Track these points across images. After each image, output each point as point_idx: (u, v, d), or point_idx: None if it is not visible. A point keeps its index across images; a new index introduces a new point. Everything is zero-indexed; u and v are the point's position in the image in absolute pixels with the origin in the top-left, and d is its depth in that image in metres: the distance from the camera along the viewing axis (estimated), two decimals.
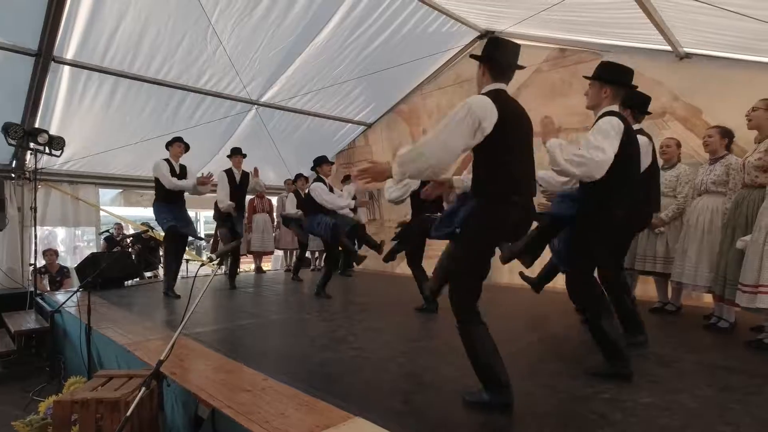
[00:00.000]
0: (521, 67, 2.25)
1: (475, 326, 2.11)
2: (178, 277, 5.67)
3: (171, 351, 1.97)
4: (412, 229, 4.40)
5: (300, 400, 2.17)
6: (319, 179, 5.22)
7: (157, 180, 5.13)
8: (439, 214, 4.42)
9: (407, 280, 6.54)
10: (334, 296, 5.15)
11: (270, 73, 6.20)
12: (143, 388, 1.85)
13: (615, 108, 2.51)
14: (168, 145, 5.25)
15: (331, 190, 5.27)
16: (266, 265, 8.81)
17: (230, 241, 5.54)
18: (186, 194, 5.38)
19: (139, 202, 8.39)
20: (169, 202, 5.18)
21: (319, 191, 5.08)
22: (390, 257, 4.66)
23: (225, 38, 5.28)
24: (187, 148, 5.31)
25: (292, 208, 6.72)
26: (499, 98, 2.09)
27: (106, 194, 8.18)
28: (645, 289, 4.75)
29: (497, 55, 2.19)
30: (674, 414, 2.01)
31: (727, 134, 3.62)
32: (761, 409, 2.05)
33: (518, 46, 2.24)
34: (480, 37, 6.47)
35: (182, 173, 5.24)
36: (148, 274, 7.88)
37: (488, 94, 2.12)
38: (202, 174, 5.28)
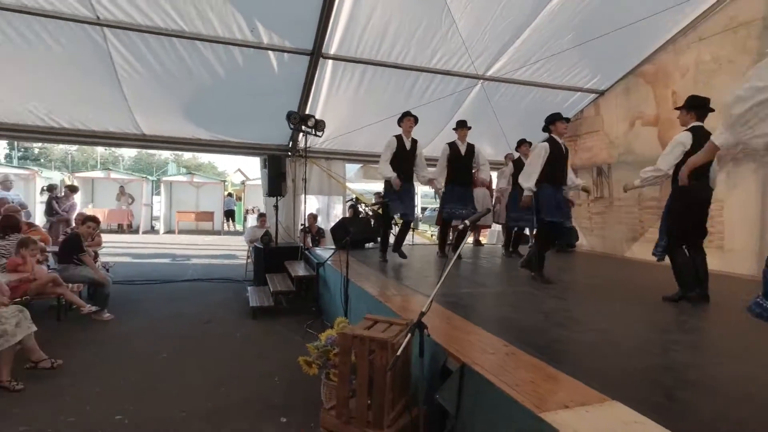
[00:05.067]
0: None
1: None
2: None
3: (431, 305, 2.19)
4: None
5: (547, 372, 2.14)
6: (550, 139, 4.57)
7: None
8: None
9: (637, 265, 5.77)
10: (558, 274, 4.91)
11: (500, 45, 6.17)
12: (409, 335, 2.14)
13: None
14: (399, 121, 5.56)
15: (565, 151, 4.68)
16: (483, 239, 8.99)
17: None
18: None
19: (375, 176, 9.52)
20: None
21: (532, 155, 4.70)
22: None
23: (458, 16, 5.45)
24: (416, 120, 5.53)
25: (504, 182, 6.86)
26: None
27: (351, 169, 9.55)
28: None
29: None
30: None
31: None
32: None
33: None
34: None
35: (413, 148, 5.54)
36: None
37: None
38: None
